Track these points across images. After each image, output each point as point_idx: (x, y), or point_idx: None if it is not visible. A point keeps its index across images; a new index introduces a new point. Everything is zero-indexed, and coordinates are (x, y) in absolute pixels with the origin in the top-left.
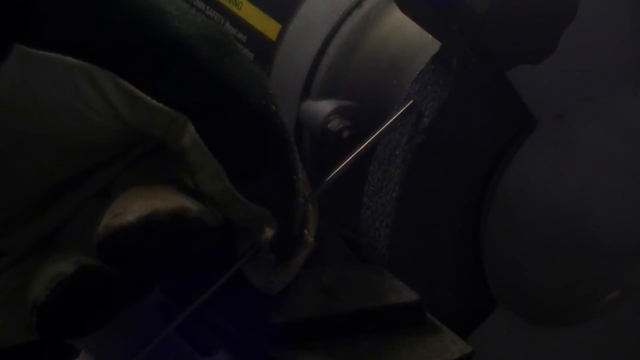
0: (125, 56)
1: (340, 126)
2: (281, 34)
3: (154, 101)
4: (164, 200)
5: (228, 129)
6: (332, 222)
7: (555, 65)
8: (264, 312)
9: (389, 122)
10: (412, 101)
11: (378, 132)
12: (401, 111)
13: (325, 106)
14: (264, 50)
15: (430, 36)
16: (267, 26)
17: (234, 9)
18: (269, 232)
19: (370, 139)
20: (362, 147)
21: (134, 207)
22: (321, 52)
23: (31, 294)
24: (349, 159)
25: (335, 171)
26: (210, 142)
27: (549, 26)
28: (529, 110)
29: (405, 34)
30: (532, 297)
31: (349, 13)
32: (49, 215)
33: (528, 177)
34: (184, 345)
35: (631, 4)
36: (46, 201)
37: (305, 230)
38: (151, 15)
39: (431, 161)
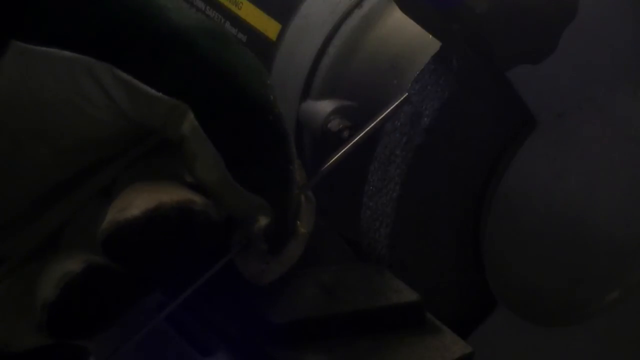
0: (124, 47)
1: (340, 126)
2: (281, 34)
3: (153, 90)
4: (169, 194)
5: (226, 117)
6: (332, 222)
7: (555, 65)
8: (264, 312)
9: (385, 114)
10: (406, 94)
11: (373, 124)
12: (396, 103)
13: (325, 106)
14: (264, 50)
15: (430, 36)
16: (267, 26)
17: (234, 8)
18: (263, 221)
19: (365, 130)
20: (357, 139)
21: (138, 201)
22: (321, 52)
23: (40, 294)
24: (344, 149)
25: (330, 162)
26: (208, 130)
27: (549, 26)
28: (529, 110)
29: (405, 34)
30: (533, 297)
31: (349, 13)
32: (50, 216)
33: (528, 177)
34: (184, 345)
35: (631, 4)
36: (47, 201)
37: (297, 222)
38: (148, 7)
39: (431, 161)
